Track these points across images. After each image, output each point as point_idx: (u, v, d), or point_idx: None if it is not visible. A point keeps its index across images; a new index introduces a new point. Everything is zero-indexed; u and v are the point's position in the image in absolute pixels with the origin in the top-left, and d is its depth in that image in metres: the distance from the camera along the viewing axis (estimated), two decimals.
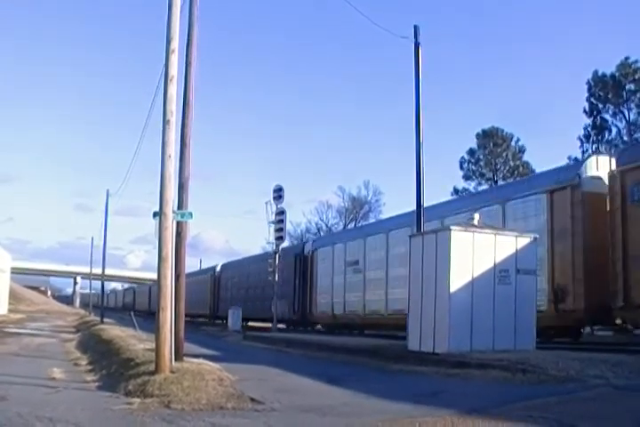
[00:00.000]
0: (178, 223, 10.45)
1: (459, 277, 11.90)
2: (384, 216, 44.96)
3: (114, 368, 10.79)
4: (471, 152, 54.68)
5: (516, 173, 50.89)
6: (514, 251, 12.37)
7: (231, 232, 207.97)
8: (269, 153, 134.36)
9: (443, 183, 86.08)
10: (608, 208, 14.48)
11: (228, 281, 42.03)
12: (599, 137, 45.88)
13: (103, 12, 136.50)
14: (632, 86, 44.11)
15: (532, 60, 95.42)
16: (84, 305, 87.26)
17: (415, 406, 7.29)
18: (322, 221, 68.43)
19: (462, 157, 54.99)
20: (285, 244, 33.72)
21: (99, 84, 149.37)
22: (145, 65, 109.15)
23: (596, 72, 45.71)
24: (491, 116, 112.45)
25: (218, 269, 45.24)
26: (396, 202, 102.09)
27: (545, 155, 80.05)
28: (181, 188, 11.20)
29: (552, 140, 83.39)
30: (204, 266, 60.01)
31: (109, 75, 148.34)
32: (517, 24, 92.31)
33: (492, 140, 53.39)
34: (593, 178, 15.15)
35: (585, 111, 46.45)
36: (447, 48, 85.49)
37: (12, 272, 56.83)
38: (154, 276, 9.96)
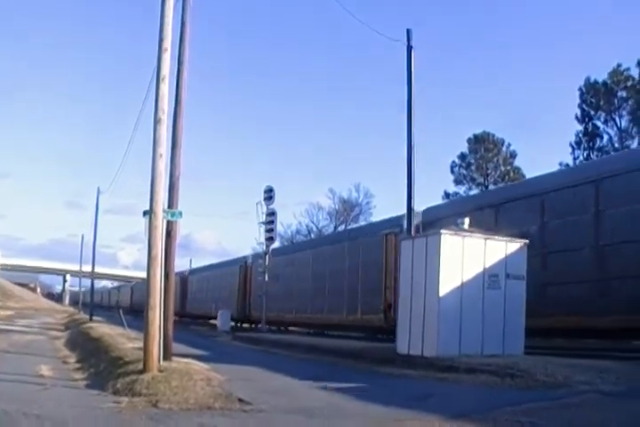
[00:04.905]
0: (168, 223, 10.46)
1: (448, 282, 11.91)
2: (375, 219, 43.83)
3: (102, 366, 10.78)
4: (462, 156, 54.78)
5: (506, 177, 51.05)
6: (504, 256, 12.40)
7: (224, 233, 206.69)
8: (262, 154, 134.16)
9: (433, 187, 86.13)
10: None
11: None
12: (590, 144, 46.01)
13: (94, 11, 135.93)
14: (624, 93, 44.26)
15: (525, 64, 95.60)
16: (74, 303, 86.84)
17: (403, 410, 7.28)
18: (312, 222, 68.38)
19: (453, 162, 55.13)
20: (276, 244, 33.53)
21: (91, 82, 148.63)
22: (137, 63, 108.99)
23: (587, 79, 45.88)
24: (482, 120, 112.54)
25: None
26: (388, 205, 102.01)
27: (536, 159, 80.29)
28: (172, 187, 11.26)
29: (544, 144, 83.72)
30: (194, 266, 59.35)
31: (102, 73, 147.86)
32: (514, 27, 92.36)
33: (483, 144, 53.55)
34: None
35: (577, 118, 46.56)
36: (439, 51, 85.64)
37: (1, 269, 56.52)
38: (144, 274, 9.94)
